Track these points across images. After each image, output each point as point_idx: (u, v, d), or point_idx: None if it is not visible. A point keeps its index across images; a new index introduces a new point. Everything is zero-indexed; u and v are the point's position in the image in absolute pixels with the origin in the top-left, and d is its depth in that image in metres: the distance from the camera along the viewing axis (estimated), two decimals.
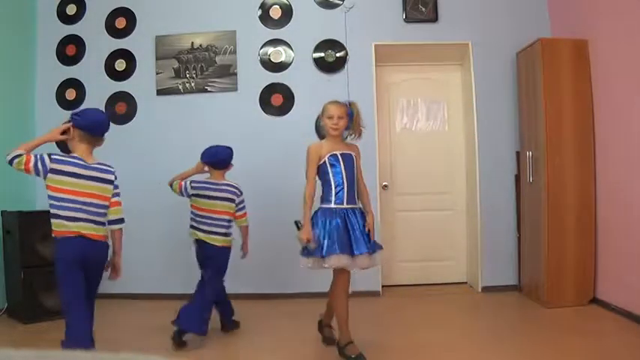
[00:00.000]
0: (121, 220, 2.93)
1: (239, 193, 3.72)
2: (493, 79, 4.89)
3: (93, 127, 2.89)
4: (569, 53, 4.28)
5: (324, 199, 3.30)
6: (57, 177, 2.76)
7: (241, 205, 3.74)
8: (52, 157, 2.80)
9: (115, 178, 2.95)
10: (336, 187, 3.26)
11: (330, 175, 3.28)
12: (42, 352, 3.30)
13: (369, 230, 3.26)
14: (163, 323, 3.86)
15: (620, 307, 3.89)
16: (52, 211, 2.79)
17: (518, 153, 4.83)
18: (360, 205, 3.37)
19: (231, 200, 3.66)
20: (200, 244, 3.62)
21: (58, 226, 2.77)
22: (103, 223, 2.87)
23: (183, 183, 3.68)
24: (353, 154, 3.36)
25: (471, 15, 4.94)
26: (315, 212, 3.28)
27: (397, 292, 5.01)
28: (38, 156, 2.74)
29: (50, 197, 2.78)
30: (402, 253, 5.17)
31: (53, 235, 2.81)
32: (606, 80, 4.10)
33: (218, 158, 3.68)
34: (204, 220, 3.61)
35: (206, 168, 3.73)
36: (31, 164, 2.72)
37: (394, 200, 5.21)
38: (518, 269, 4.82)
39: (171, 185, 3.73)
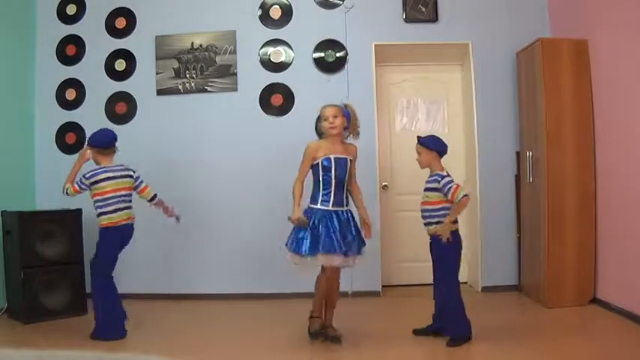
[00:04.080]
0: (155, 196, 3.91)
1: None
2: (493, 79, 4.89)
3: (100, 144, 3.74)
4: (569, 53, 4.28)
5: (313, 198, 3.47)
6: (99, 184, 3.65)
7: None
8: (85, 176, 3.67)
9: (134, 172, 3.82)
10: (324, 189, 3.43)
11: (321, 177, 3.44)
12: (42, 352, 3.32)
13: (360, 230, 3.55)
14: (165, 323, 3.87)
15: (620, 307, 3.89)
16: (100, 210, 3.67)
17: (518, 153, 4.83)
18: (348, 208, 3.52)
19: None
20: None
21: (107, 220, 3.66)
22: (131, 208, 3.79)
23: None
24: (348, 157, 3.48)
25: (471, 15, 4.93)
26: (305, 211, 3.43)
27: (397, 292, 5.02)
28: (78, 181, 3.68)
29: (97, 200, 3.66)
30: (402, 253, 5.18)
31: (101, 227, 3.69)
32: (606, 80, 4.10)
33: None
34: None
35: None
36: (77, 189, 3.67)
37: (394, 200, 5.21)
38: (518, 269, 4.82)
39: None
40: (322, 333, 3.50)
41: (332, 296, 3.56)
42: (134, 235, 3.80)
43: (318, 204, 3.43)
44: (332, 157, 3.42)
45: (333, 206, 3.42)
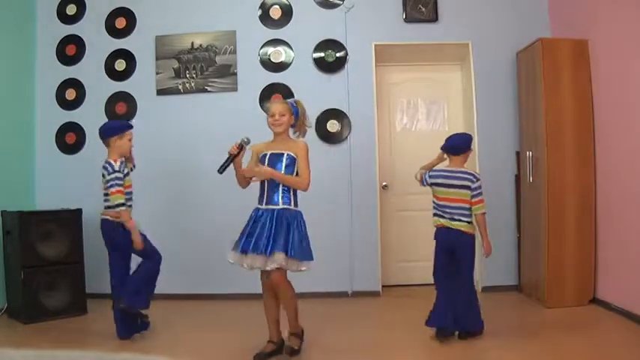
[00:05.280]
0: (116, 206, 3.49)
1: (474, 180, 3.49)
2: (493, 79, 4.89)
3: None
4: (569, 53, 4.28)
5: None
6: None
7: (476, 192, 3.47)
8: None
9: (107, 170, 3.52)
10: (260, 187, 3.33)
11: None
12: (42, 352, 3.31)
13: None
14: (166, 323, 3.87)
15: (620, 307, 3.89)
16: None
17: (518, 153, 4.83)
18: (286, 207, 3.25)
19: (467, 187, 3.47)
20: (442, 231, 3.53)
21: None
22: (107, 207, 3.59)
23: (424, 174, 3.61)
24: (287, 152, 3.30)
25: (470, 15, 4.94)
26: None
27: (397, 292, 5.02)
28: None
29: None
30: (402, 253, 5.18)
31: None
32: (606, 80, 4.10)
33: (450, 144, 3.57)
34: (443, 209, 3.51)
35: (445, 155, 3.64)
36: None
37: (394, 200, 5.21)
38: (518, 269, 4.82)
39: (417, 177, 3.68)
40: (267, 356, 3.23)
41: (280, 300, 3.33)
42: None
43: (257, 202, 3.33)
44: (268, 153, 3.31)
45: (266, 204, 3.27)
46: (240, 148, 3.28)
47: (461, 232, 3.48)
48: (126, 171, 3.60)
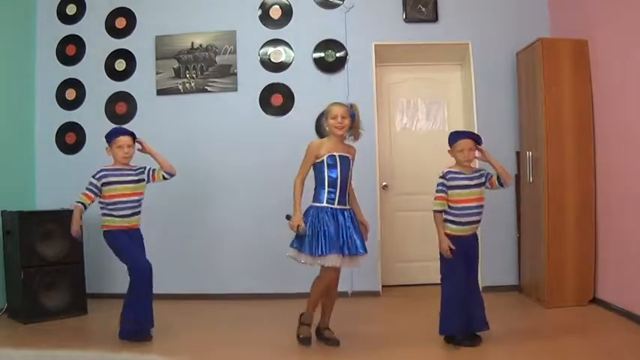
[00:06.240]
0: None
1: (439, 177, 3.42)
2: (493, 79, 4.89)
3: None
4: (569, 53, 4.28)
5: (316, 197, 3.41)
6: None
7: (436, 189, 3.40)
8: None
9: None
10: (329, 188, 3.38)
11: (326, 175, 3.39)
12: (42, 352, 3.31)
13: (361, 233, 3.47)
14: (166, 323, 3.87)
15: (620, 307, 3.89)
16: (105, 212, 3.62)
17: (518, 153, 4.83)
18: (350, 207, 3.48)
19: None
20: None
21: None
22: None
23: None
24: (350, 156, 3.46)
25: (471, 15, 4.94)
26: (307, 210, 3.40)
27: (397, 292, 5.02)
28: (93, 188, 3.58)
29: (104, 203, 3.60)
30: (402, 253, 5.18)
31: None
32: (606, 80, 4.10)
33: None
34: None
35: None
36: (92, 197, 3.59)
37: (394, 200, 5.21)
38: (518, 269, 4.82)
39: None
40: (309, 339, 3.47)
41: (333, 298, 3.55)
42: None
43: (324, 202, 3.37)
44: (336, 155, 3.39)
45: (338, 205, 3.39)
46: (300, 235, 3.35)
47: None
48: (118, 179, 3.58)
